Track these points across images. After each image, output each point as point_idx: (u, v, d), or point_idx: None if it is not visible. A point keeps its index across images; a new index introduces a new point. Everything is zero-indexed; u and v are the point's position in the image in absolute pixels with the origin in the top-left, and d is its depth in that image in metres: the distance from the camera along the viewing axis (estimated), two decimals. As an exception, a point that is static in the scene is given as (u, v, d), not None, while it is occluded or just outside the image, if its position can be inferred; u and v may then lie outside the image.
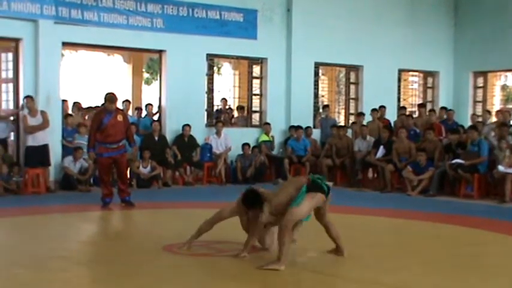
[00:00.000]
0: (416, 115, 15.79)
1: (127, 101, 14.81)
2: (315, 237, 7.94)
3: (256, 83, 15.68)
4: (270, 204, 6.20)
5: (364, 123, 15.03)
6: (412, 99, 18.38)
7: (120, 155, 10.12)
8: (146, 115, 14.67)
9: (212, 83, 15.07)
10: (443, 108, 15.82)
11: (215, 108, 15.71)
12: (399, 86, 17.58)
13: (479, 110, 17.30)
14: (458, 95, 18.01)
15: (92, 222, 9.05)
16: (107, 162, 10.05)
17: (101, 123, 9.88)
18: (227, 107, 16.39)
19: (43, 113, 12.28)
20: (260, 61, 15.49)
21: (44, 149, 12.24)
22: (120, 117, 10.03)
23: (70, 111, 13.78)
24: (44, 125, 12.21)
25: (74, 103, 14.23)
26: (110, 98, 9.96)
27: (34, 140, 12.14)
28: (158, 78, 15.33)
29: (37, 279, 5.63)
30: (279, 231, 6.05)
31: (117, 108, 10.31)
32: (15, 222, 8.99)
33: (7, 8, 12.04)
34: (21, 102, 12.51)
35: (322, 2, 15.78)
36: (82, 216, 9.31)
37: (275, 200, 6.23)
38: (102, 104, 10.51)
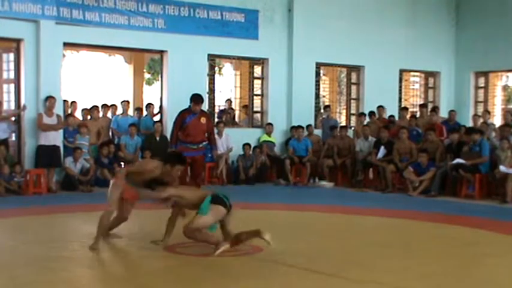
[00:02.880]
0: (418, 115, 15.78)
1: (126, 101, 14.83)
2: (313, 238, 7.95)
3: (257, 83, 15.69)
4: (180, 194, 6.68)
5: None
6: (413, 99, 18.38)
7: (199, 156, 10.30)
8: (147, 115, 14.66)
9: (213, 83, 15.08)
10: (434, 107, 15.83)
11: (217, 108, 15.72)
12: (400, 86, 17.59)
13: (480, 110, 17.29)
14: (459, 95, 18.01)
15: (93, 222, 9.01)
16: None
17: (183, 123, 10.05)
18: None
19: (59, 115, 12.54)
20: (261, 61, 15.49)
21: (55, 150, 12.47)
22: (203, 120, 10.24)
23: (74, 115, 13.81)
24: (58, 126, 12.51)
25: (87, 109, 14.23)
26: (195, 99, 10.16)
27: (45, 140, 12.37)
28: (159, 78, 15.33)
29: (39, 280, 5.63)
30: (187, 232, 6.49)
31: (202, 111, 10.51)
32: (17, 222, 8.99)
33: (8, 9, 12.05)
34: (22, 102, 12.54)
35: (323, 2, 15.78)
36: (84, 217, 9.30)
37: (187, 194, 6.69)
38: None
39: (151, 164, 7.02)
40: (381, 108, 15.52)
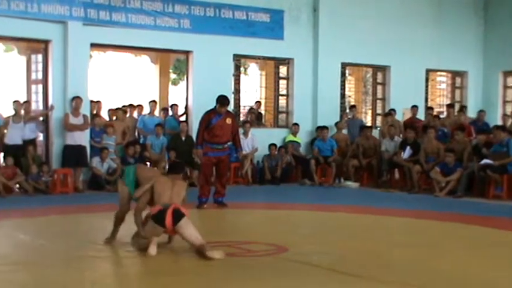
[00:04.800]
0: (444, 115, 15.65)
1: (153, 101, 14.90)
2: (338, 238, 7.93)
3: (282, 83, 15.69)
4: None
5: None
6: (440, 99, 18.23)
7: (225, 156, 10.35)
8: (172, 115, 14.72)
9: (239, 83, 15.11)
10: (462, 107, 15.58)
11: (242, 108, 15.74)
12: (427, 86, 17.45)
13: (509, 110, 17.10)
14: (487, 95, 17.81)
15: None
16: (210, 161, 10.26)
17: (209, 123, 10.13)
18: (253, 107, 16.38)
19: (85, 116, 12.65)
20: (287, 61, 15.49)
21: (81, 150, 12.62)
22: (229, 121, 10.27)
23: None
24: (84, 126, 12.64)
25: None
26: (221, 100, 10.20)
27: (72, 140, 12.52)
28: (185, 78, 15.39)
29: (65, 279, 5.67)
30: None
31: (228, 112, 10.53)
32: (45, 221, 9.10)
33: (37, 10, 12.21)
34: (50, 102, 12.69)
35: (349, 2, 15.73)
36: (110, 216, 9.38)
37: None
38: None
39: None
40: (414, 108, 15.41)
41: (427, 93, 17.44)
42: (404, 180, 13.52)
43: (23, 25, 12.18)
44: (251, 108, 16.09)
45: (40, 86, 13.08)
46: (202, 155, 10.32)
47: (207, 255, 6.21)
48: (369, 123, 16.52)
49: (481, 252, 7.03)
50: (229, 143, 10.47)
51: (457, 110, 15.54)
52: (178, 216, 6.36)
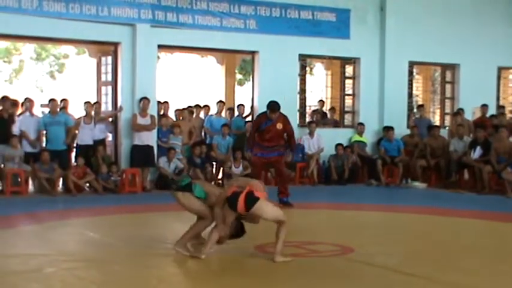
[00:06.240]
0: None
1: (221, 101, 15.02)
2: (405, 239, 7.81)
3: (348, 83, 15.57)
4: None
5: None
6: (512, 98, 17.74)
7: (275, 157, 10.37)
8: (238, 115, 14.80)
9: (304, 83, 15.07)
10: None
11: (308, 108, 15.70)
12: (498, 85, 16.98)
13: None
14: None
15: (187, 221, 9.21)
16: (259, 161, 10.34)
17: (259, 127, 10.26)
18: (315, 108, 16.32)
19: (152, 116, 12.85)
20: (353, 61, 15.36)
21: (148, 150, 12.81)
22: (279, 126, 10.28)
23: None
24: (151, 126, 12.81)
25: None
26: (271, 106, 10.20)
27: (139, 140, 12.75)
28: (251, 79, 15.45)
29: (133, 276, 5.79)
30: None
31: (281, 116, 10.34)
32: (114, 220, 9.30)
33: (107, 14, 12.51)
34: (119, 103, 12.96)
35: (416, 0, 15.47)
36: (177, 216, 9.51)
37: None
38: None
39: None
40: (484, 107, 15.05)
41: (498, 91, 16.98)
42: (474, 181, 13.21)
43: (94, 28, 12.49)
44: (315, 110, 16.03)
45: (109, 88, 13.39)
46: (253, 155, 10.36)
47: (275, 260, 6.20)
48: (437, 123, 16.21)
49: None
50: (281, 145, 10.43)
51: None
52: (251, 200, 6.08)
